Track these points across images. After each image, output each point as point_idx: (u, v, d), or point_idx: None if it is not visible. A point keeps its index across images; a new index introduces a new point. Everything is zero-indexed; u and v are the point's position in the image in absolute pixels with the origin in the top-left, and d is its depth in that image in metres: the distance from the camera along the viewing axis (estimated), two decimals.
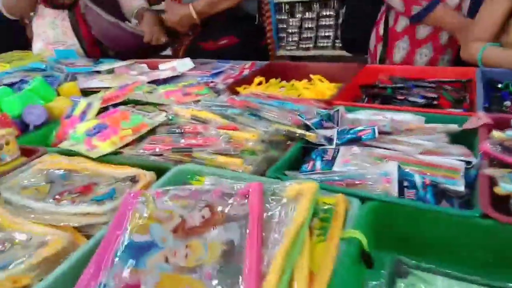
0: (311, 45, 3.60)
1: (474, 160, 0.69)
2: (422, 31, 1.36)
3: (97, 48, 1.80)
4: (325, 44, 3.54)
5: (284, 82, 1.32)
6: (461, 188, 0.62)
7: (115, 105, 1.04)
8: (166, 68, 1.39)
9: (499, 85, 1.09)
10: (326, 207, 0.54)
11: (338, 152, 0.74)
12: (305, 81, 1.20)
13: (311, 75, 1.17)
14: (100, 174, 0.75)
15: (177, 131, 0.85)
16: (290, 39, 3.63)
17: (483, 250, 0.55)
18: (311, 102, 0.97)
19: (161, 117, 0.92)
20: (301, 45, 3.57)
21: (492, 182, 0.60)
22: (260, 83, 1.23)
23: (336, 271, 0.47)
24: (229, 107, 0.92)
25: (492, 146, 0.70)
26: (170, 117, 0.93)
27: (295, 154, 0.78)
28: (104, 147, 0.82)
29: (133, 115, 0.92)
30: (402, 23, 1.38)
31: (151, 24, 1.62)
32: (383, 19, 1.42)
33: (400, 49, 1.39)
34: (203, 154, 0.77)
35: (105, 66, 1.52)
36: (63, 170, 0.76)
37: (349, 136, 0.75)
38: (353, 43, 1.59)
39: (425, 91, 1.08)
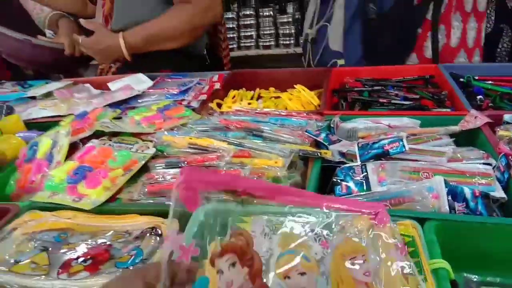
0: (272, 43, 3.52)
1: (493, 162, 0.71)
2: None
3: (6, 71, 1.55)
4: (287, 42, 3.49)
5: (252, 92, 1.26)
6: (502, 194, 0.63)
7: (82, 140, 0.90)
8: (119, 87, 1.24)
9: (462, 79, 1.16)
10: (406, 239, 0.50)
11: (365, 169, 0.70)
12: (279, 92, 1.16)
13: (295, 85, 1.13)
14: (106, 230, 0.63)
15: (180, 164, 0.75)
16: (247, 38, 3.50)
17: None
18: (305, 115, 0.93)
19: (150, 150, 0.81)
20: (260, 43, 3.48)
21: None
22: (233, 97, 1.16)
23: None
24: (226, 130, 0.84)
25: (507, 145, 0.73)
26: (161, 148, 0.82)
27: (319, 176, 0.73)
28: (97, 194, 0.69)
29: (117, 151, 0.79)
30: (457, 34, 1.27)
31: (70, 33, 1.40)
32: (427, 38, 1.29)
33: None
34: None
35: (38, 89, 1.31)
36: (56, 232, 0.62)
37: (374, 151, 0.72)
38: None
39: (402, 91, 1.10)
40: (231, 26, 3.44)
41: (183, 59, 1.43)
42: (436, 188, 0.61)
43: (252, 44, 3.52)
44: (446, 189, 0.61)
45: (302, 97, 1.06)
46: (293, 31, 3.47)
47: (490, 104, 1.00)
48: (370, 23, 1.29)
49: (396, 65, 1.28)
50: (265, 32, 3.48)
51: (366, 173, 0.70)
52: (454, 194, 0.61)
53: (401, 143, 0.70)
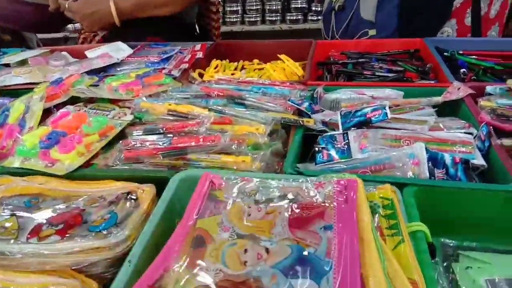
0: (258, 19, 3.44)
1: (474, 132, 0.71)
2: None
3: None
4: (273, 18, 3.42)
5: (236, 63, 1.23)
6: (482, 161, 0.63)
7: (56, 106, 0.86)
8: (97, 55, 1.19)
9: (446, 53, 1.15)
10: (384, 202, 0.50)
11: (347, 137, 0.70)
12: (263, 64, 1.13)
13: (279, 55, 1.10)
14: (80, 195, 0.61)
15: (159, 130, 0.72)
16: (232, 13, 3.41)
17: None
18: (289, 85, 0.91)
19: (128, 116, 0.78)
20: (245, 19, 3.39)
21: (510, 153, 0.62)
22: (216, 67, 1.13)
23: (426, 274, 0.43)
24: (207, 98, 0.82)
25: (488, 115, 0.73)
26: (138, 115, 0.79)
27: (300, 144, 0.72)
28: (70, 159, 0.67)
29: (93, 116, 0.77)
30: (497, 5, 1.23)
31: None
32: (471, 5, 1.22)
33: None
34: (201, 155, 0.67)
35: (12, 57, 1.25)
36: (27, 197, 0.60)
37: (356, 119, 0.71)
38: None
39: (386, 64, 1.09)
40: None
41: (171, 28, 1.38)
42: (416, 154, 0.61)
43: (238, 19, 3.46)
44: (427, 155, 0.61)
45: (286, 68, 1.04)
46: (279, 7, 3.41)
47: (473, 78, 1.00)
48: None
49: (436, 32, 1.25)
50: (251, 8, 3.41)
51: (347, 141, 0.69)
52: (435, 160, 0.61)
53: (383, 111, 0.69)
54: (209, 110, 0.75)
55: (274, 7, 3.40)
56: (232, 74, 1.11)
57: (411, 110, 0.80)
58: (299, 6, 3.37)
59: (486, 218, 0.57)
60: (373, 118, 0.70)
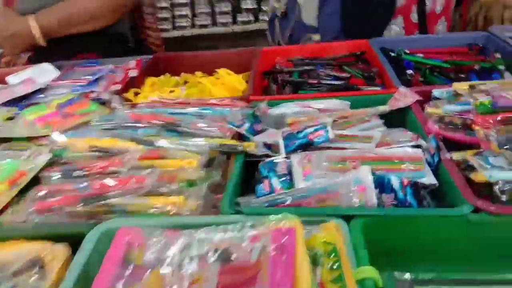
0: (209, 22, 3.32)
1: (424, 144, 0.67)
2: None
3: None
4: (224, 20, 3.31)
5: (176, 78, 1.15)
6: (433, 180, 0.59)
7: None
8: (19, 81, 1.08)
9: (392, 54, 1.12)
10: (328, 248, 0.44)
11: (290, 163, 0.63)
12: (207, 76, 1.05)
13: (217, 70, 1.03)
14: None
15: (76, 173, 0.63)
16: (182, 18, 3.28)
17: (477, 243, 0.53)
18: (229, 103, 0.84)
19: (44, 156, 0.69)
20: (196, 23, 3.26)
21: (461, 167, 0.58)
22: (152, 85, 1.04)
23: None
24: (136, 126, 0.73)
25: (436, 124, 0.69)
26: (57, 153, 0.70)
27: (241, 174, 0.65)
28: None
29: (2, 160, 0.67)
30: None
31: None
32: (416, 1, 1.18)
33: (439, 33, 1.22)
34: (126, 199, 0.59)
35: None
36: None
37: (299, 141, 0.65)
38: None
39: (332, 70, 1.04)
40: (164, 5, 3.24)
41: (102, 42, 1.28)
42: (362, 179, 0.56)
43: (188, 24, 3.35)
44: (374, 179, 0.56)
45: (227, 82, 0.97)
46: (230, 8, 3.33)
47: (420, 79, 0.97)
48: None
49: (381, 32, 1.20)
50: (200, 11, 3.31)
51: (290, 167, 0.63)
52: (382, 184, 0.56)
53: (325, 131, 0.64)
54: (137, 142, 0.67)
55: (224, 9, 3.32)
56: (171, 92, 1.02)
57: (359, 122, 0.76)
58: (250, 7, 3.30)
59: (441, 245, 0.53)
60: (315, 140, 0.64)
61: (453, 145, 0.65)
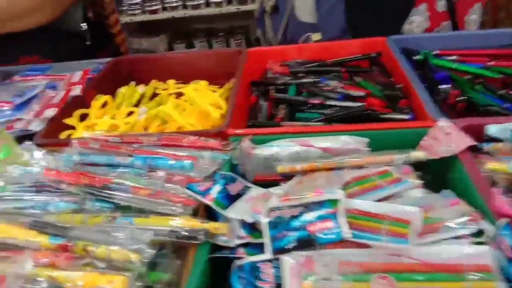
0: (159, 7, 3.03)
1: (488, 230, 0.42)
2: None
3: None
4: (174, 4, 3.01)
5: (140, 89, 0.90)
6: None
7: None
8: None
9: (416, 57, 0.86)
10: None
11: (278, 270, 0.39)
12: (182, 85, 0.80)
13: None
14: None
15: None
16: (131, 2, 2.99)
17: None
18: (197, 142, 0.59)
19: None
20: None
21: None
22: (104, 105, 0.79)
23: None
24: (48, 196, 0.49)
25: (506, 196, 0.44)
26: None
27: (205, 277, 0.41)
28: None
29: None
30: None
31: None
32: None
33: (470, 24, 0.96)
34: None
35: None
36: None
37: (293, 234, 0.41)
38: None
39: (340, 83, 0.79)
40: None
41: (50, 40, 1.03)
42: None
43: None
44: None
45: (202, 102, 0.71)
46: None
47: (459, 99, 0.71)
48: None
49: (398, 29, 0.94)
50: None
51: (280, 278, 0.39)
52: None
53: (335, 223, 0.39)
54: (40, 232, 0.43)
55: None
56: (129, 115, 0.77)
57: (381, 182, 0.51)
58: None
59: None
60: (319, 236, 0.40)
61: None
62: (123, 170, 0.53)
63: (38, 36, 0.97)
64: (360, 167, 0.55)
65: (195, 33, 3.39)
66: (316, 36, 0.94)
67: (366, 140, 0.59)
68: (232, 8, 3.07)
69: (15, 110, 0.72)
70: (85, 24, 1.08)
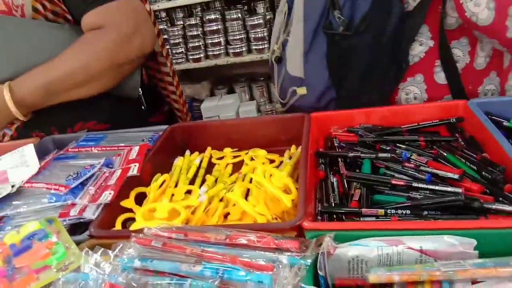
0: (202, 55, 3.09)
1: None
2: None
3: None
4: (216, 52, 3.06)
5: (196, 160, 0.85)
6: None
7: None
8: None
9: (505, 123, 0.76)
10: None
11: None
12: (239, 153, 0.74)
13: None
14: None
15: None
16: (175, 51, 3.08)
17: None
18: (271, 242, 0.51)
19: None
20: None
21: None
22: (162, 183, 0.74)
23: None
24: None
25: None
26: None
27: None
28: None
29: None
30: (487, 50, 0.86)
31: None
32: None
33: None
34: None
35: None
36: None
37: None
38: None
39: (420, 156, 0.69)
40: (195, 33, 3.01)
41: (107, 107, 1.02)
42: None
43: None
44: None
45: (270, 188, 0.64)
46: (265, 34, 3.04)
47: None
48: (336, 38, 0.84)
49: (386, 96, 0.89)
50: (234, 37, 3.05)
51: None
52: None
53: None
54: None
55: (259, 35, 3.03)
56: (188, 193, 0.72)
57: None
58: None
59: None
60: None
61: None
62: (191, 282, 0.46)
63: (95, 102, 0.96)
64: (474, 280, 0.45)
65: (236, 78, 3.42)
66: (301, 90, 0.92)
67: (474, 242, 0.49)
68: (231, 59, 3.07)
69: (70, 194, 0.67)
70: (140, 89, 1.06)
